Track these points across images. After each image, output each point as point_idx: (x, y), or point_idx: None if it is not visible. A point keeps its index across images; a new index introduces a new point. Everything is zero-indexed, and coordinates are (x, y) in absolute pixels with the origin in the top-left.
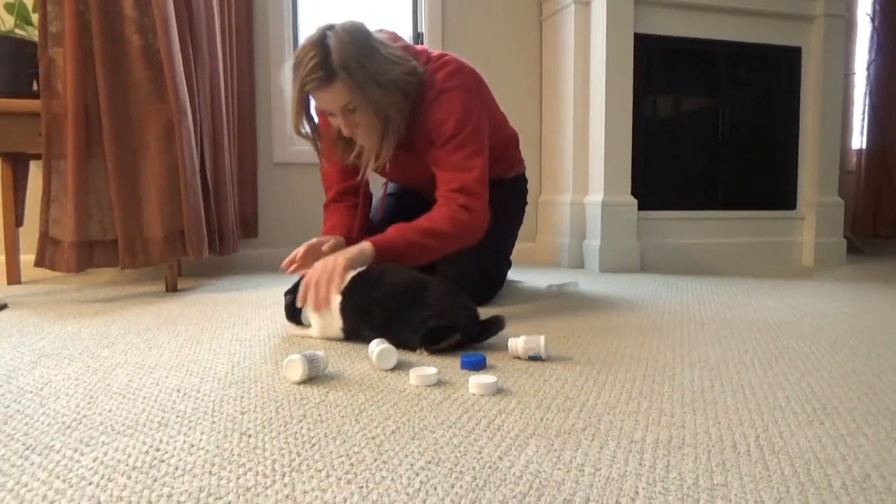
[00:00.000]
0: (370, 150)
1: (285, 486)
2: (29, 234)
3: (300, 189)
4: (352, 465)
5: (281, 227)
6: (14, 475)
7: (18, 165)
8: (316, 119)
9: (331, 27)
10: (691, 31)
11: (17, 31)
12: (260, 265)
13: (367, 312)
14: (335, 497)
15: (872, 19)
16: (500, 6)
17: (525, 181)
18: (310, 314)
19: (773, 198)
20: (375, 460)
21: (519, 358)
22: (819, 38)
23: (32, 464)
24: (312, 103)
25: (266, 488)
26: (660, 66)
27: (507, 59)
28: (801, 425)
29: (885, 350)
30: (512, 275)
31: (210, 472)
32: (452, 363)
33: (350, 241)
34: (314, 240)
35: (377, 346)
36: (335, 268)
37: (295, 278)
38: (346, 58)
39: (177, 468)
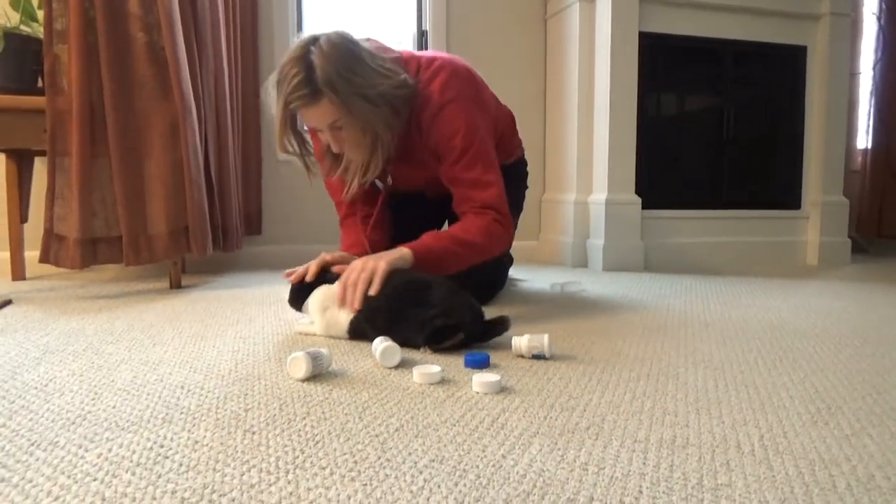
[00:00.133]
0: (357, 167)
1: (289, 483)
2: (33, 231)
3: (304, 187)
4: (355, 462)
5: (285, 224)
6: (19, 471)
7: (23, 162)
8: (304, 134)
9: (314, 40)
10: (696, 30)
11: (23, 27)
12: (264, 262)
13: (372, 312)
14: (339, 494)
15: (879, 18)
16: (505, 4)
17: (524, 164)
18: (314, 312)
19: (777, 197)
20: (379, 458)
21: (522, 357)
22: (825, 37)
23: (37, 459)
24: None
25: (270, 485)
26: (664, 65)
27: (512, 57)
28: (805, 425)
29: (890, 350)
30: (515, 273)
31: (214, 469)
32: (456, 361)
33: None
34: (328, 256)
35: (380, 343)
36: (376, 270)
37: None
38: (330, 73)
39: (181, 465)
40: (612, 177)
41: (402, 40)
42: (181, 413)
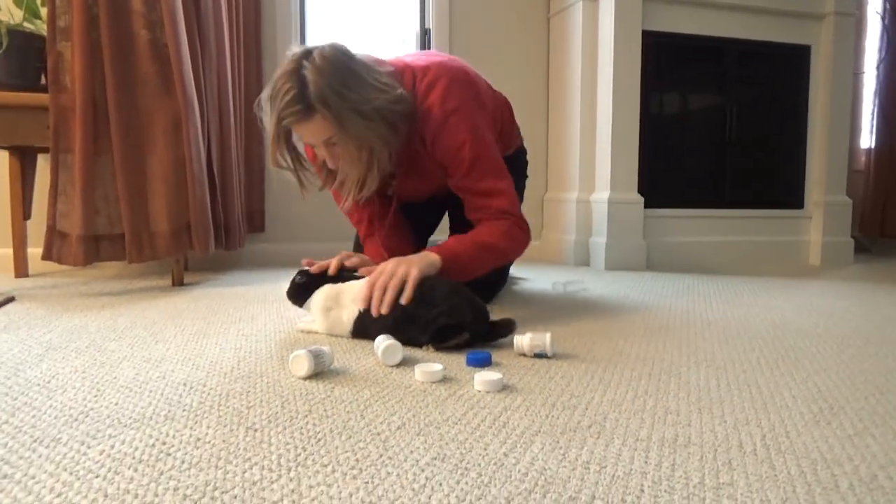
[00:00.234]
0: (353, 183)
1: (291, 480)
2: (36, 228)
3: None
4: (357, 460)
5: (287, 222)
6: (22, 467)
7: (26, 159)
8: (298, 148)
9: (308, 54)
10: (700, 29)
11: (26, 24)
12: (266, 260)
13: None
14: (341, 492)
15: (883, 18)
16: (508, 2)
17: (524, 153)
18: (317, 311)
19: (780, 197)
20: (381, 456)
21: (524, 355)
22: (828, 36)
23: (40, 456)
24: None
25: (272, 482)
26: (668, 64)
27: (515, 56)
28: (807, 425)
29: (893, 350)
30: (517, 272)
31: (216, 466)
32: (458, 360)
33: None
34: (348, 262)
35: (383, 341)
36: (408, 278)
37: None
38: (324, 89)
39: (183, 462)
40: (615, 176)
41: (405, 38)
42: (183, 410)
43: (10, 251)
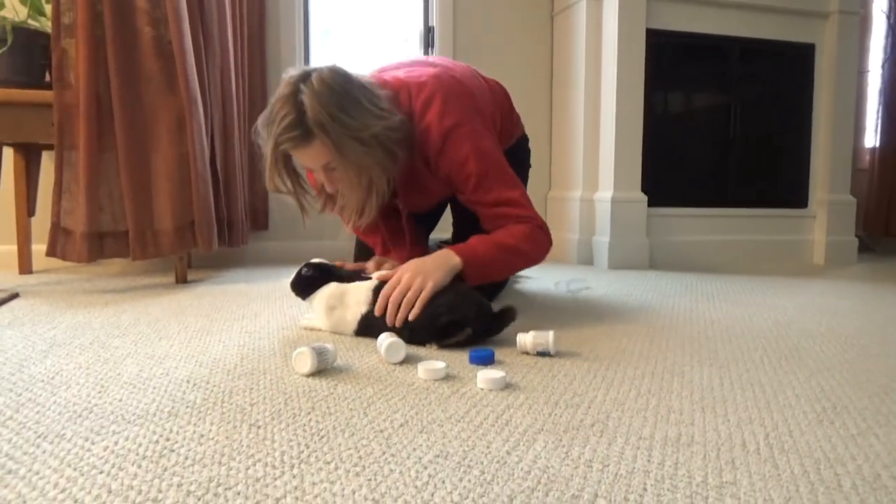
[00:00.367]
0: (353, 209)
1: (294, 477)
2: (41, 224)
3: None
4: (360, 457)
5: (291, 220)
6: (26, 463)
7: (31, 156)
8: (299, 171)
9: (306, 77)
10: (704, 27)
11: (31, 21)
12: (270, 258)
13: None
14: (343, 489)
15: (888, 16)
16: (512, 1)
17: (526, 140)
18: (320, 310)
19: (784, 196)
20: (384, 453)
21: (527, 353)
22: (833, 34)
23: (44, 452)
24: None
25: (275, 479)
26: (671, 62)
27: (518, 54)
28: (810, 424)
29: None
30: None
31: (219, 463)
32: (461, 358)
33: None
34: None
35: (386, 339)
36: (423, 291)
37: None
38: (321, 115)
39: (186, 458)
40: (618, 174)
41: (408, 37)
42: (187, 407)
43: (14, 248)
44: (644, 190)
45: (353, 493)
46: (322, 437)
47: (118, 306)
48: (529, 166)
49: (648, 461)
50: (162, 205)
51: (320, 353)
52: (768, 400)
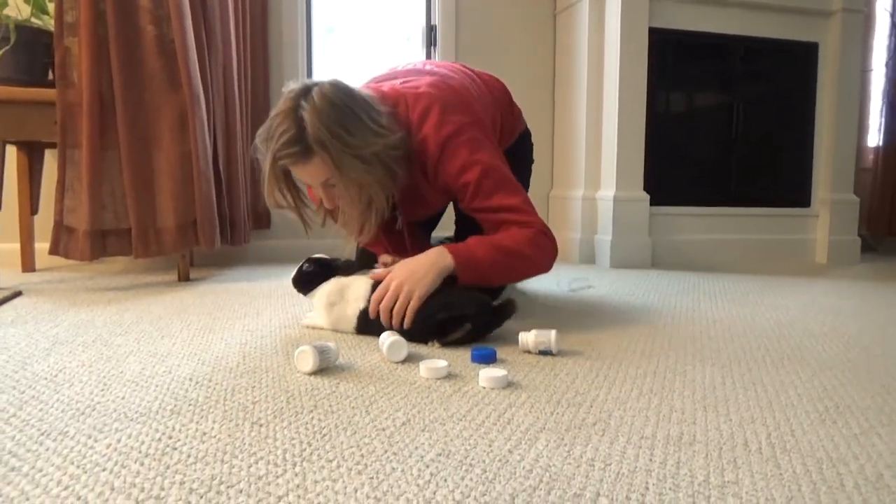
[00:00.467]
0: (352, 228)
1: (296, 475)
2: (44, 223)
3: None
4: (362, 455)
5: (293, 219)
6: (29, 460)
7: (34, 154)
8: (299, 186)
9: (306, 92)
10: (707, 26)
11: (34, 20)
12: (272, 256)
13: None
14: (346, 487)
15: (892, 14)
16: None
17: (529, 135)
18: (320, 307)
19: (786, 195)
20: (386, 451)
21: (529, 352)
22: (836, 33)
23: (47, 449)
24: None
25: (277, 477)
26: (674, 61)
27: (521, 53)
28: (813, 423)
29: None
30: None
31: (222, 461)
32: (463, 356)
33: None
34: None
35: (388, 338)
36: (412, 300)
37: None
38: (321, 132)
39: (189, 456)
40: (621, 173)
41: (410, 36)
42: (189, 405)
43: (17, 246)
44: (646, 189)
45: (356, 491)
46: (324, 435)
47: (121, 304)
48: (532, 161)
49: (650, 460)
50: (164, 203)
51: (322, 352)
52: (770, 399)
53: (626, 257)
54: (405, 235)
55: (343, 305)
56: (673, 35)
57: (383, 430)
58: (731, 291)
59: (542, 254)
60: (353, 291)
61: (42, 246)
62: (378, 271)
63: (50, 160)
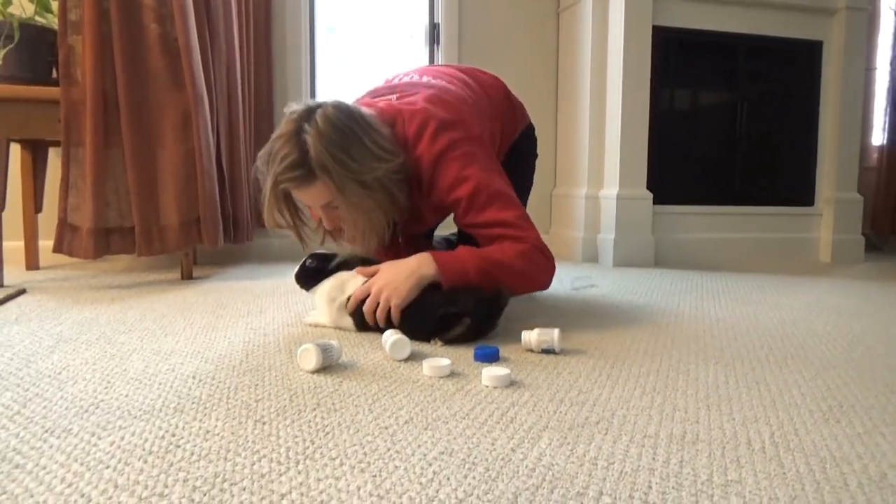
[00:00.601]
0: (355, 245)
1: (299, 473)
2: (47, 221)
3: None
4: (365, 454)
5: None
6: (33, 457)
7: (38, 152)
8: (298, 203)
9: (309, 115)
10: (710, 24)
11: (37, 18)
12: (274, 254)
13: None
14: (349, 485)
15: None
16: None
17: (532, 130)
18: (321, 303)
19: (790, 193)
20: (389, 450)
21: (532, 351)
22: (841, 32)
23: (51, 447)
24: None
25: (280, 475)
26: (678, 59)
27: (524, 51)
28: (816, 423)
29: None
30: None
31: (225, 459)
32: (466, 355)
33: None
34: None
35: (390, 336)
36: (392, 308)
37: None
38: (324, 157)
39: (192, 453)
40: (624, 172)
41: (413, 34)
42: (193, 403)
43: (21, 244)
44: (649, 187)
45: (358, 489)
46: (327, 433)
47: (124, 302)
48: (536, 156)
49: (653, 459)
50: (168, 201)
51: (325, 350)
52: (774, 398)
53: (629, 256)
54: (402, 245)
55: (344, 298)
56: (676, 33)
57: (386, 428)
58: (734, 290)
59: (535, 268)
60: (352, 286)
61: (46, 244)
62: (367, 268)
63: (54, 158)
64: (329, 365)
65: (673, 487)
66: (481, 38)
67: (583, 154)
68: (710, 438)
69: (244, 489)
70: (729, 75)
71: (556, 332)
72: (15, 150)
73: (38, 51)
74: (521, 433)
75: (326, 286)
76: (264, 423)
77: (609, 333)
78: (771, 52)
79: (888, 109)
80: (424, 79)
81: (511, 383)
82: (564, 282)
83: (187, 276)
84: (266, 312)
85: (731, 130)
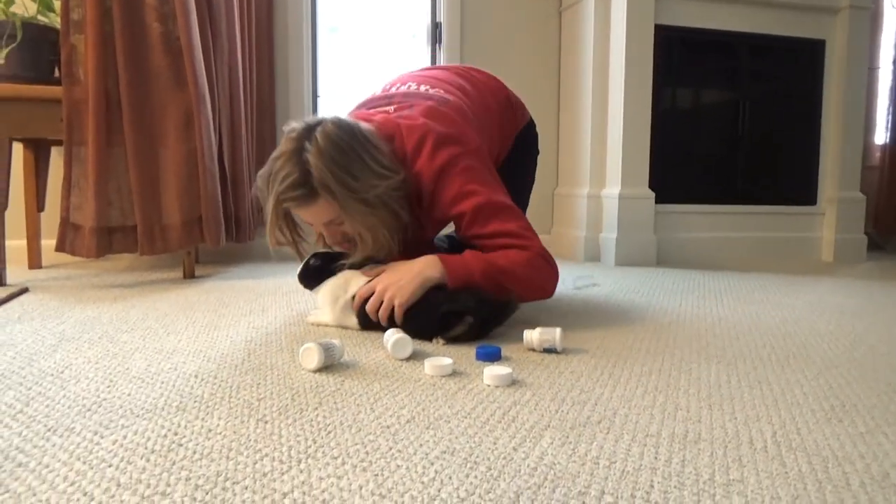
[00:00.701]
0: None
1: (301, 472)
2: (50, 220)
3: None
4: (367, 453)
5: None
6: (36, 456)
7: (40, 151)
8: (296, 220)
9: (309, 133)
10: (713, 23)
11: (40, 17)
12: (276, 254)
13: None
14: (350, 484)
15: None
16: None
17: (533, 126)
18: (325, 302)
19: (793, 193)
20: (390, 449)
21: (534, 350)
22: (843, 30)
23: (54, 445)
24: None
25: (282, 474)
26: (680, 58)
27: (526, 50)
28: (818, 422)
29: None
30: None
31: (227, 457)
32: (467, 354)
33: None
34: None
35: (392, 335)
36: (396, 308)
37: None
38: (326, 176)
39: (195, 452)
40: (626, 171)
41: (415, 33)
42: (195, 401)
43: (24, 243)
44: (652, 186)
45: (360, 488)
46: (329, 432)
47: (127, 301)
48: (538, 151)
49: (655, 458)
50: (170, 200)
51: (327, 349)
52: (776, 398)
53: (631, 255)
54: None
55: (347, 300)
56: (678, 32)
57: (388, 427)
58: (736, 289)
59: (538, 275)
60: (356, 285)
61: (48, 243)
62: (371, 269)
63: (56, 157)
64: (331, 364)
65: (675, 487)
66: (483, 37)
67: (585, 153)
68: (713, 437)
69: (246, 488)
70: (731, 74)
71: (557, 331)
72: (17, 150)
73: (41, 50)
74: (523, 432)
75: (330, 285)
76: (266, 422)
77: (611, 332)
78: (773, 51)
79: (891, 108)
80: (422, 88)
81: (513, 382)
82: (566, 281)
83: (189, 275)
84: (268, 311)
85: (733, 129)
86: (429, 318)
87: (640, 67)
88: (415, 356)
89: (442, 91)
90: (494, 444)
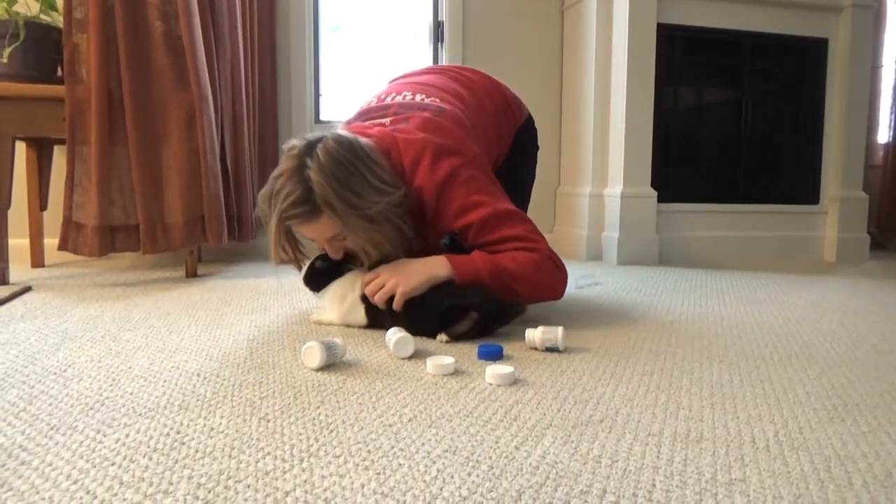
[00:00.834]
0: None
1: (303, 470)
2: (52, 219)
3: None
4: (369, 451)
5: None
6: (39, 454)
7: (43, 150)
8: (297, 236)
9: (311, 150)
10: (715, 22)
11: (43, 16)
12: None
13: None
14: (353, 483)
15: None
16: None
17: (531, 122)
18: (332, 302)
19: (795, 192)
20: (392, 447)
21: (536, 349)
22: (846, 29)
23: (56, 443)
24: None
25: (284, 472)
26: (682, 57)
27: (528, 49)
28: (821, 421)
29: None
30: None
31: (230, 456)
32: (470, 353)
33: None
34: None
35: (394, 334)
36: (397, 291)
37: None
38: (328, 193)
39: (197, 451)
40: (628, 170)
41: (417, 32)
42: (197, 400)
43: (26, 241)
44: (654, 186)
45: (362, 486)
46: (331, 430)
47: (129, 300)
48: (538, 147)
49: (657, 457)
50: (172, 199)
51: (329, 348)
52: (778, 397)
53: (633, 254)
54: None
55: (355, 295)
56: (681, 31)
57: (390, 426)
58: (738, 289)
59: (546, 277)
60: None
61: (51, 242)
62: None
63: (59, 156)
64: (333, 363)
65: (677, 486)
66: (485, 36)
67: (587, 152)
68: (715, 437)
69: (248, 486)
70: (734, 73)
71: (559, 330)
72: (20, 149)
73: (44, 49)
74: (525, 431)
75: (338, 284)
76: (269, 421)
77: (613, 331)
78: (776, 50)
79: (894, 107)
80: (417, 97)
81: (515, 381)
82: (569, 280)
83: (192, 274)
84: (270, 310)
85: (735, 128)
86: (434, 313)
87: (642, 66)
88: (417, 355)
89: (437, 100)
90: (496, 442)
